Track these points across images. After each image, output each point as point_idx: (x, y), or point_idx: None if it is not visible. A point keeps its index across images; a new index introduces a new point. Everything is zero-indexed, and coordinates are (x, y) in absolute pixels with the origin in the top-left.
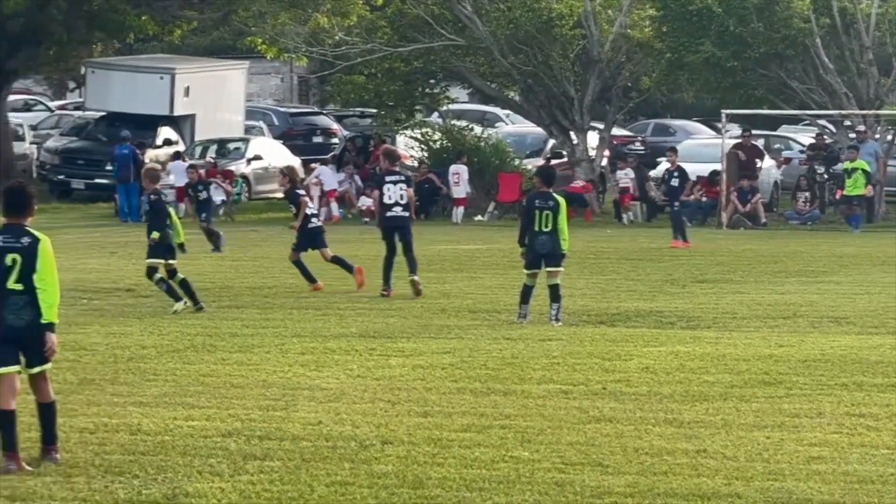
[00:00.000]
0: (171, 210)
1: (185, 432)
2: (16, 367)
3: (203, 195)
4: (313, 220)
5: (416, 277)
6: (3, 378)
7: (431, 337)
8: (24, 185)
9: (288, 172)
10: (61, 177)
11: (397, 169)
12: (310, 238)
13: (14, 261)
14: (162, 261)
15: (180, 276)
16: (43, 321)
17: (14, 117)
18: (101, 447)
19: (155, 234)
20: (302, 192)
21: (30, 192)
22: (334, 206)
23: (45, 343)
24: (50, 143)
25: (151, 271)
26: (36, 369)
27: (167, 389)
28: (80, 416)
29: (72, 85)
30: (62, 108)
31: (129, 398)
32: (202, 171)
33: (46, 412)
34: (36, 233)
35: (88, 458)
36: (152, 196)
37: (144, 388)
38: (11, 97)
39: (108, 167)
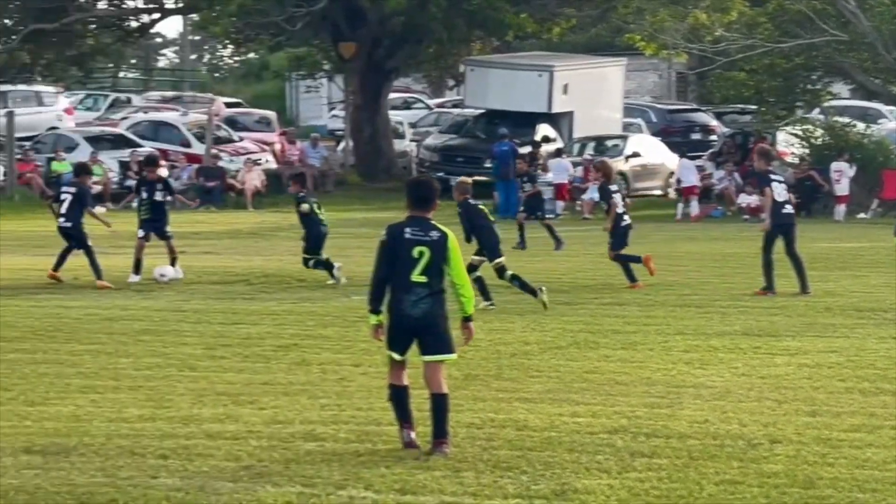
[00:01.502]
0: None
1: (570, 428)
2: (404, 357)
3: (527, 189)
4: (625, 217)
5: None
6: (393, 363)
7: (817, 335)
8: (430, 180)
9: (601, 167)
10: (440, 174)
11: (772, 168)
12: (623, 235)
13: (421, 253)
14: (503, 258)
15: (478, 273)
16: (463, 314)
17: (394, 115)
18: (488, 442)
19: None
20: (614, 188)
21: (435, 186)
22: (694, 203)
23: (465, 330)
24: (429, 141)
25: (501, 271)
26: (430, 357)
27: (551, 386)
28: (467, 411)
29: (450, 83)
30: (441, 105)
31: (513, 394)
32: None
33: (438, 404)
34: (442, 227)
35: (476, 453)
36: (459, 209)
37: (528, 384)
38: (392, 95)
39: (487, 164)
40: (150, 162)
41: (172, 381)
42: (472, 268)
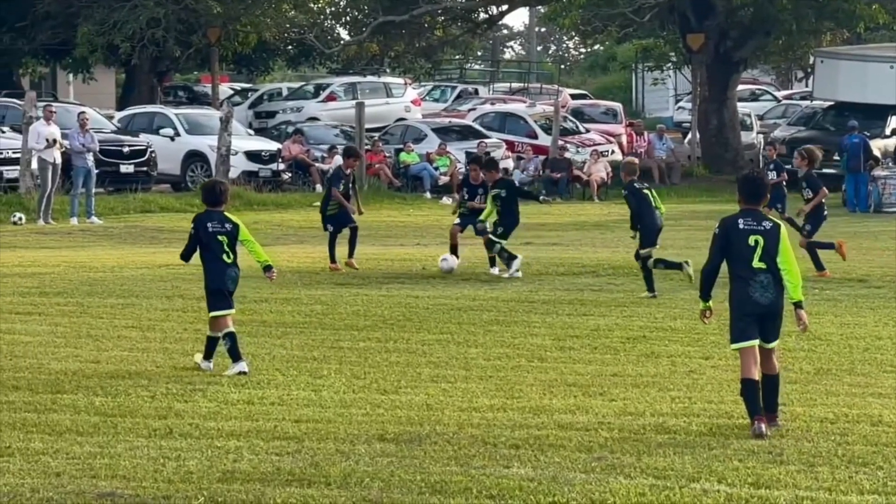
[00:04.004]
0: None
1: None
2: (755, 342)
3: (772, 178)
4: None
5: None
6: (746, 350)
7: None
8: (761, 175)
9: (807, 154)
10: (788, 166)
11: None
12: (820, 223)
13: (756, 242)
14: (652, 248)
15: (654, 259)
16: (792, 300)
17: (741, 107)
18: (842, 437)
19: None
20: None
21: (766, 181)
22: None
23: (798, 320)
24: (777, 133)
25: (645, 259)
26: (770, 344)
27: None
28: (820, 405)
29: (799, 74)
30: (788, 97)
31: (866, 389)
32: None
33: (771, 383)
34: (774, 219)
35: (830, 447)
36: (624, 191)
37: (882, 379)
38: (739, 87)
39: (835, 157)
40: (489, 165)
41: (522, 371)
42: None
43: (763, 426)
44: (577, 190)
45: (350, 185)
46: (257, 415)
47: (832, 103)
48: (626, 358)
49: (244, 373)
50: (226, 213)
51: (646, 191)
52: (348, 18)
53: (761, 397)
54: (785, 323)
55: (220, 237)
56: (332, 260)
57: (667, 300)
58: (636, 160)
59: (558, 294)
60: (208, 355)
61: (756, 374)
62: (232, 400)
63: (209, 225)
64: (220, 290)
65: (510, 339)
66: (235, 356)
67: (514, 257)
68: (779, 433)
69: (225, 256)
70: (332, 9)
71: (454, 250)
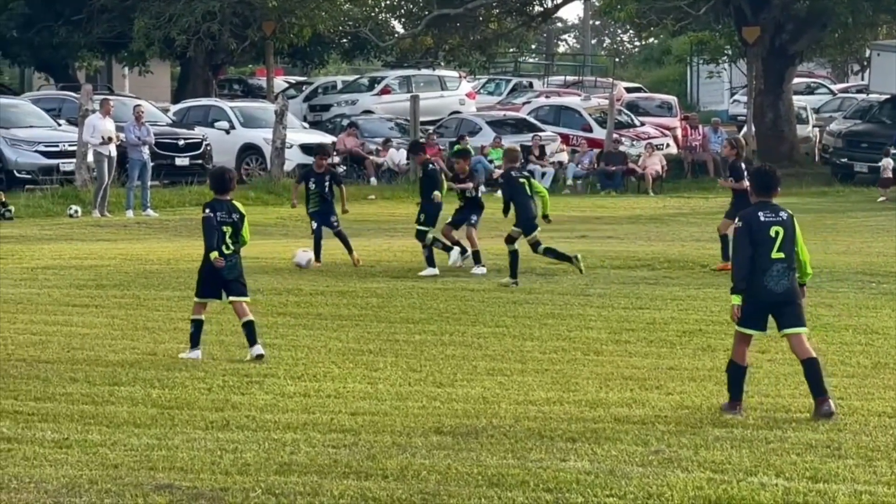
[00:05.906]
0: (534, 182)
1: None
2: (759, 333)
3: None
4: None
5: None
6: (746, 337)
7: None
8: (773, 169)
9: (735, 144)
10: (844, 160)
11: None
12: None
13: (777, 232)
14: (537, 233)
15: (515, 247)
16: (800, 282)
17: (797, 100)
18: None
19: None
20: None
21: (778, 174)
22: None
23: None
24: (833, 127)
25: (535, 245)
26: (792, 330)
27: None
28: (877, 399)
29: (855, 67)
30: (845, 90)
31: None
32: None
33: (811, 367)
34: (785, 208)
35: (889, 442)
36: (501, 179)
37: None
38: (795, 80)
39: (894, 150)
40: (414, 148)
41: (578, 364)
42: (510, 239)
43: (740, 409)
44: (631, 183)
45: (328, 184)
46: (314, 407)
47: (888, 96)
48: (682, 351)
49: (196, 358)
50: (234, 202)
51: (522, 179)
52: (403, 11)
53: (807, 382)
54: (840, 318)
55: (224, 227)
56: (317, 258)
57: (724, 294)
58: (518, 147)
59: (614, 287)
60: (252, 341)
61: (747, 361)
62: (288, 392)
63: (218, 214)
64: (209, 280)
65: (566, 333)
66: (195, 342)
67: (450, 248)
68: (836, 427)
69: (224, 248)
70: (387, 2)
71: (461, 245)
